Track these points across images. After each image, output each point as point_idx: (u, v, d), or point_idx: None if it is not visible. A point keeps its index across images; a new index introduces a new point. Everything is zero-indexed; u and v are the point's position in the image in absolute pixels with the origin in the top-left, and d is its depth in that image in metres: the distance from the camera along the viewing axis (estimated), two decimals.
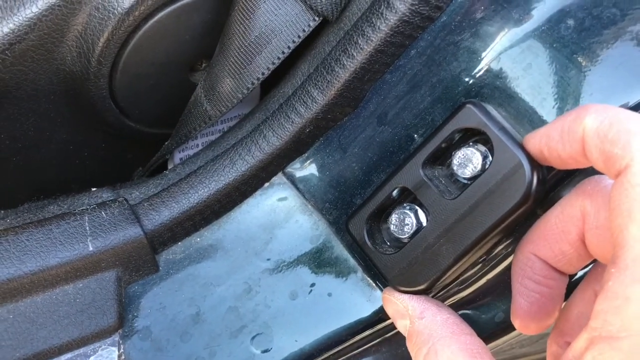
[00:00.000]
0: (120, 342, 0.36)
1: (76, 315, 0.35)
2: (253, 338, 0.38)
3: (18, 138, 0.41)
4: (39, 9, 0.35)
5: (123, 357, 0.36)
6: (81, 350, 0.35)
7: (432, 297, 0.38)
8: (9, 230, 0.34)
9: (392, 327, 0.39)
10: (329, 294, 0.39)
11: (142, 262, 0.37)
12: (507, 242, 0.36)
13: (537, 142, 0.30)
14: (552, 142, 0.29)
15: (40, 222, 0.35)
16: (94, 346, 0.35)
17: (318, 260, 0.39)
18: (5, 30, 0.35)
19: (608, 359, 0.23)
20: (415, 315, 0.32)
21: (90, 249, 0.35)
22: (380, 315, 0.38)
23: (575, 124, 0.27)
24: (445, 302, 0.39)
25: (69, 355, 0.34)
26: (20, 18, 0.35)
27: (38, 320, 0.34)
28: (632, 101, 0.32)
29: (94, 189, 0.40)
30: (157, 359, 0.37)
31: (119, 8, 0.36)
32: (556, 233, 0.31)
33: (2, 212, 0.39)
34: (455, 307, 0.39)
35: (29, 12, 0.35)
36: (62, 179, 0.46)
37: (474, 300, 0.39)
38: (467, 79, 0.35)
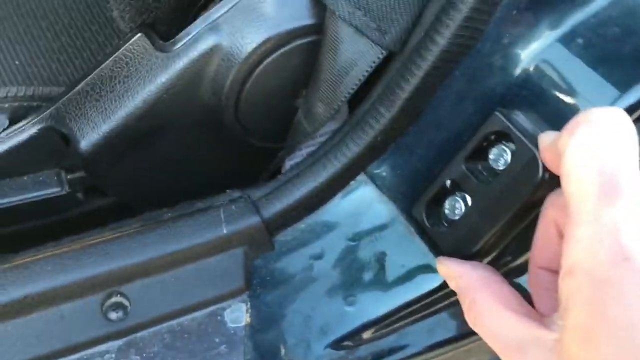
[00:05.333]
0: (248, 300, 0.49)
1: (215, 280, 0.48)
2: (345, 299, 0.49)
3: (174, 154, 0.56)
4: (184, 64, 0.50)
5: (250, 311, 0.49)
6: (219, 305, 0.48)
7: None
8: (168, 220, 0.49)
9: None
10: (403, 267, 0.49)
11: (262, 242, 0.50)
12: None
13: (540, 144, 0.38)
14: (543, 149, 0.37)
15: (191, 214, 0.49)
16: (228, 302, 0.47)
17: (394, 241, 0.50)
18: (163, 80, 0.50)
19: (568, 288, 0.31)
20: (457, 276, 0.42)
21: (225, 232, 0.48)
22: (444, 283, 0.48)
23: (559, 138, 0.33)
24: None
25: (211, 308, 0.48)
26: (173, 70, 0.50)
27: (189, 282, 0.48)
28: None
29: (228, 191, 0.54)
30: (274, 313, 0.49)
31: (238, 58, 0.50)
32: (544, 238, 0.37)
33: (165, 209, 0.54)
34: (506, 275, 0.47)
35: (178, 66, 0.50)
36: (206, 184, 0.60)
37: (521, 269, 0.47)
38: (500, 91, 0.44)
